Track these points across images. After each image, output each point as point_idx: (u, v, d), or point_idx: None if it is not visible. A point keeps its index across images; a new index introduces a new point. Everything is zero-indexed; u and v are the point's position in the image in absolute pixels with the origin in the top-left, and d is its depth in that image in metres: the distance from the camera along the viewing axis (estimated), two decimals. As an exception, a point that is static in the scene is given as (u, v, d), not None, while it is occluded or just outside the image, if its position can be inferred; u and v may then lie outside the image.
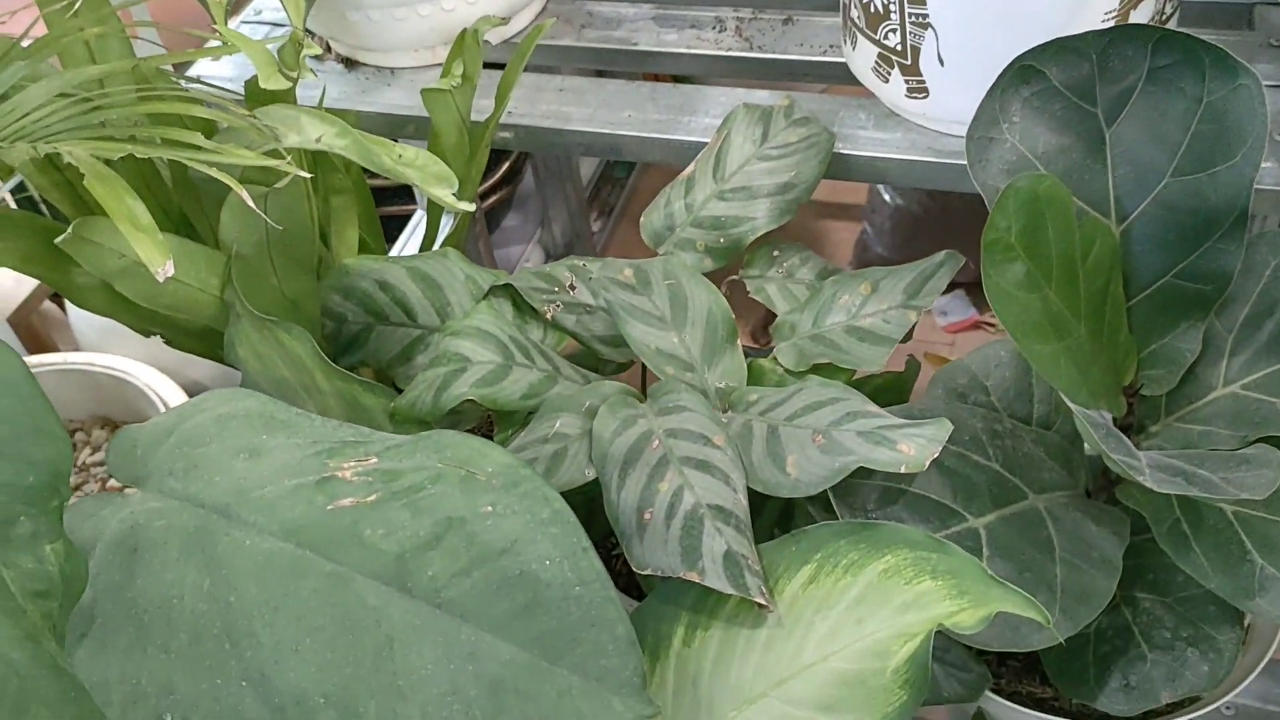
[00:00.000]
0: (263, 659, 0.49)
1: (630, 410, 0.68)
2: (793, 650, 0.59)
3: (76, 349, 1.32)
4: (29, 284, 1.26)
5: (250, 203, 0.59)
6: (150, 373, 1.11)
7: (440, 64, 1.01)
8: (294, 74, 0.62)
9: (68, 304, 1.24)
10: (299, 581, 0.51)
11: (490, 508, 0.53)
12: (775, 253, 0.83)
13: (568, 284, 0.80)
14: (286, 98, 0.64)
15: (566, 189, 1.73)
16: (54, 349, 1.37)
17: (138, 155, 0.58)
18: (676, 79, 1.07)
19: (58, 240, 0.60)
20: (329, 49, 1.04)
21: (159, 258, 0.55)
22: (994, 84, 0.65)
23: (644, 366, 0.76)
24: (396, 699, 0.49)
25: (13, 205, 1.16)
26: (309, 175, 0.61)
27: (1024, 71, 0.65)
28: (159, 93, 0.62)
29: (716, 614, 0.62)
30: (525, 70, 0.88)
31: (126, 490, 0.55)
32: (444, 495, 0.53)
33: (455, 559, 0.51)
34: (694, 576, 0.60)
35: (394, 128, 0.98)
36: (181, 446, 0.56)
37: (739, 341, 0.74)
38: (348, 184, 0.79)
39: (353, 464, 0.55)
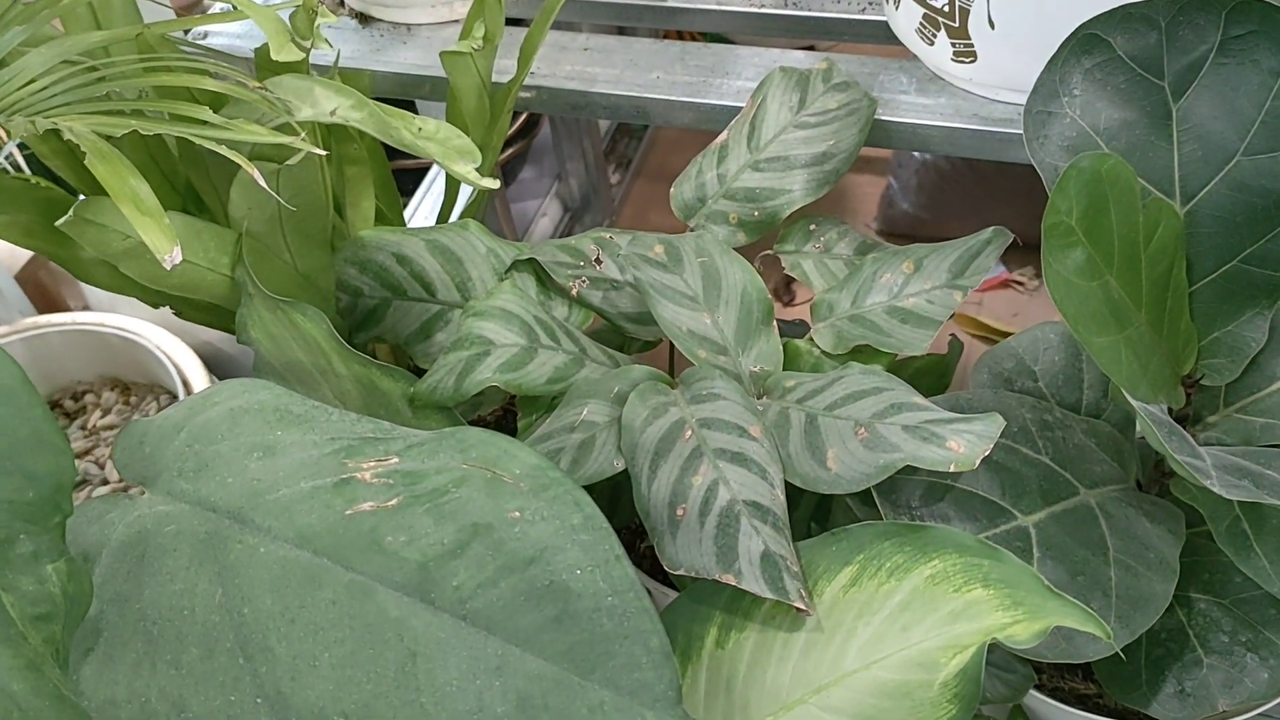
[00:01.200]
0: (279, 674, 0.47)
1: (661, 398, 0.65)
2: (833, 656, 0.56)
3: (86, 306, 1.30)
4: (36, 242, 1.23)
5: (262, 182, 0.56)
6: (161, 334, 1.08)
7: (458, 20, 0.96)
8: (307, 43, 0.59)
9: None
10: (316, 592, 0.48)
11: (518, 513, 0.50)
12: (812, 226, 0.79)
13: (593, 258, 0.77)
14: (299, 66, 0.60)
15: (584, 142, 1.68)
16: (63, 305, 1.34)
17: (142, 132, 0.54)
18: (705, 37, 1.02)
19: (58, 223, 0.57)
20: (342, 3, 1.00)
21: (166, 243, 0.52)
22: (1054, 55, 0.61)
23: (672, 344, 0.72)
24: (420, 717, 0.46)
25: (21, 164, 1.12)
26: (324, 152, 0.57)
27: (1086, 41, 0.60)
28: (166, 63, 0.58)
29: (752, 615, 0.59)
30: (548, 28, 0.84)
31: (134, 491, 0.52)
32: (469, 499, 0.50)
33: (481, 568, 0.48)
34: (730, 579, 0.57)
35: (409, 88, 0.94)
36: (192, 444, 0.53)
37: (774, 322, 0.71)
38: (363, 154, 0.75)
39: (372, 464, 0.52)
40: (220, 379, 1.10)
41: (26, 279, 1.28)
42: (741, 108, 0.81)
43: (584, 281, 0.75)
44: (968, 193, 1.59)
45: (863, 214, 1.76)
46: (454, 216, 0.91)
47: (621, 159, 1.88)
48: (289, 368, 0.68)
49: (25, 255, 1.26)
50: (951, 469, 0.57)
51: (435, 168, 1.40)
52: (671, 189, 0.80)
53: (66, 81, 0.59)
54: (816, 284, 0.76)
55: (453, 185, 0.88)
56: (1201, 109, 0.60)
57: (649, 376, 0.67)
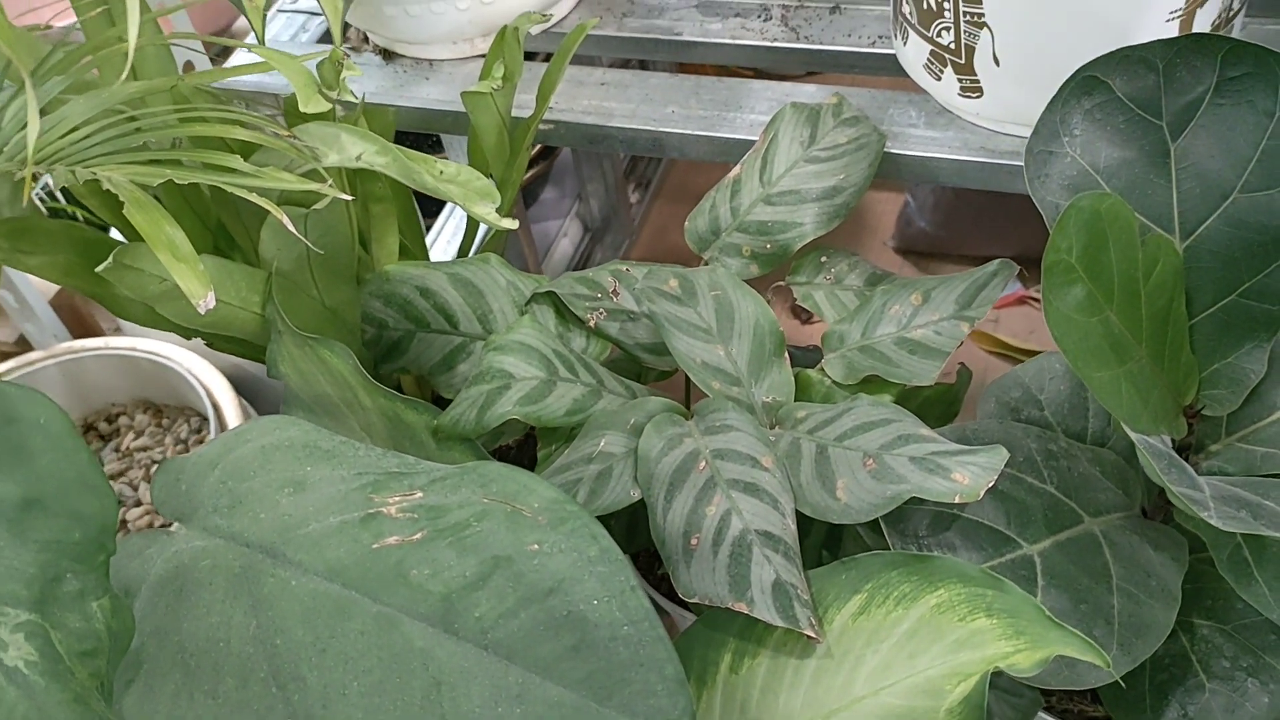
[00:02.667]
0: (310, 703, 0.49)
1: (676, 429, 0.67)
2: (842, 683, 0.58)
3: (118, 329, 1.33)
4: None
5: (290, 227, 0.58)
6: (191, 358, 1.11)
7: (479, 55, 0.99)
8: (334, 93, 0.61)
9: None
10: (345, 623, 0.50)
11: (537, 546, 0.52)
12: (823, 258, 0.81)
13: (611, 290, 0.79)
14: (326, 114, 0.63)
15: (604, 163, 1.71)
16: (96, 329, 1.38)
17: (177, 181, 0.57)
18: (719, 70, 1.04)
19: (99, 269, 0.60)
20: (366, 40, 1.02)
21: (200, 288, 0.55)
22: (1055, 96, 0.63)
23: (687, 374, 0.74)
24: (444, 743, 0.48)
25: (57, 194, 1.15)
26: (351, 198, 0.60)
27: (1086, 82, 0.62)
28: (200, 113, 0.61)
29: (764, 641, 0.61)
30: (565, 64, 0.86)
31: (171, 527, 0.55)
32: (490, 533, 0.52)
33: (502, 599, 0.50)
34: (742, 607, 0.59)
35: (432, 123, 0.96)
36: (226, 480, 0.56)
37: (786, 354, 0.73)
38: (387, 191, 0.77)
39: (397, 499, 0.54)
40: (248, 400, 1.13)
41: (61, 304, 1.31)
42: (754, 140, 0.83)
43: (601, 313, 0.78)
44: (984, 211, 1.60)
45: (880, 232, 1.77)
46: (475, 248, 0.94)
47: (641, 179, 1.90)
48: (317, 401, 0.70)
49: (59, 282, 1.30)
50: (957, 500, 0.59)
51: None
52: (686, 223, 0.82)
53: (105, 131, 0.62)
54: (828, 315, 0.78)
55: (474, 218, 0.91)
56: (1199, 148, 0.62)
57: (664, 408, 0.70)
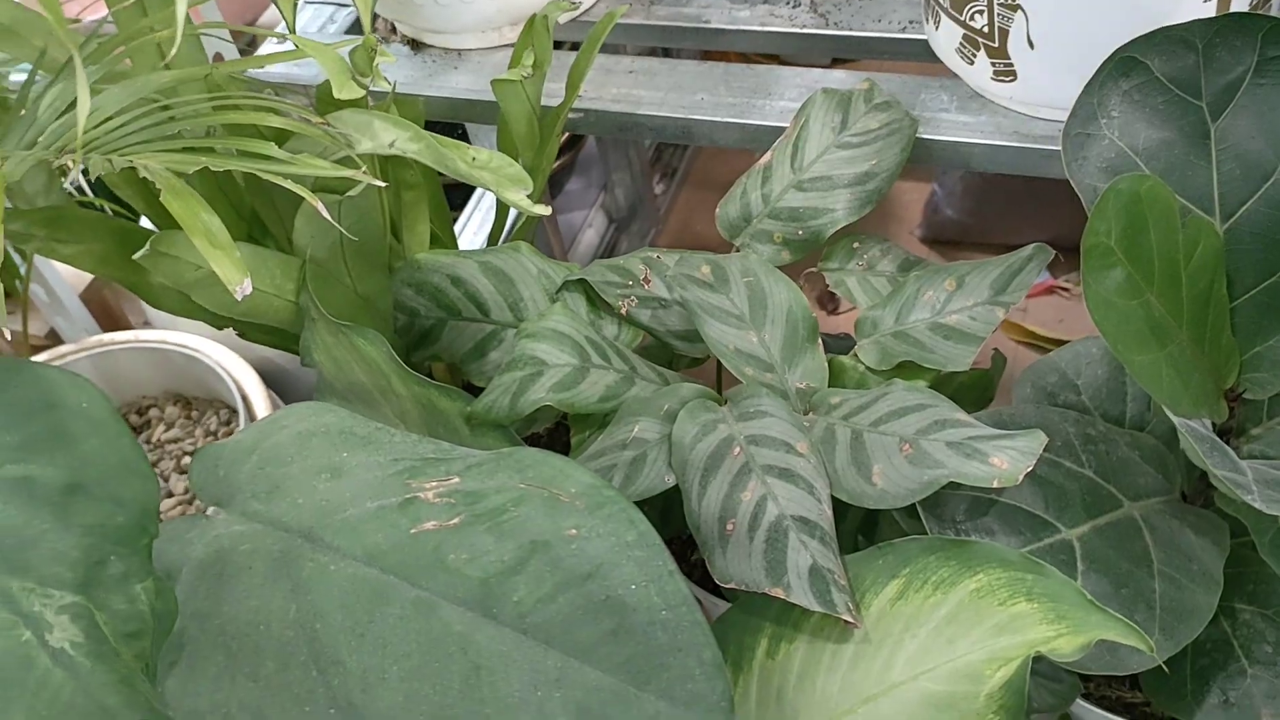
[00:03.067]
0: (350, 686, 0.49)
1: (710, 415, 0.67)
2: (880, 668, 0.58)
3: (147, 323, 1.34)
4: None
5: (325, 213, 0.58)
6: (220, 350, 1.12)
7: (508, 44, 0.99)
8: (367, 80, 0.61)
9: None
10: (384, 607, 0.50)
11: (574, 530, 0.52)
12: (855, 244, 0.81)
13: (642, 277, 0.79)
14: (359, 100, 0.63)
15: (629, 153, 1.70)
16: (125, 323, 1.38)
17: (213, 169, 0.57)
18: (746, 57, 1.04)
19: (136, 256, 0.60)
20: (394, 30, 1.02)
21: (237, 275, 0.55)
22: (1092, 77, 0.62)
23: (720, 361, 0.74)
24: (484, 727, 0.48)
25: (85, 187, 1.16)
26: (384, 184, 0.60)
27: (1124, 63, 0.61)
28: (234, 101, 0.61)
29: (801, 626, 0.61)
30: (592, 51, 0.86)
31: (210, 511, 0.55)
32: (527, 518, 0.52)
33: (540, 584, 0.50)
34: (779, 593, 0.59)
35: (460, 112, 0.96)
36: (263, 466, 0.56)
37: (819, 340, 0.72)
38: (418, 178, 0.77)
39: (434, 484, 0.54)
40: (276, 392, 1.13)
41: (91, 298, 1.32)
42: (784, 127, 0.83)
43: (633, 300, 0.77)
44: (1013, 199, 1.59)
45: (907, 221, 1.76)
46: (504, 237, 0.94)
47: (667, 168, 1.90)
48: (351, 389, 0.70)
49: (90, 275, 1.31)
50: (995, 485, 0.58)
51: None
52: (717, 209, 0.82)
53: (141, 120, 0.62)
54: (860, 301, 0.78)
55: (503, 207, 0.91)
56: (1239, 128, 0.61)
57: (698, 394, 0.69)
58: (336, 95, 0.58)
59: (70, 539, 0.42)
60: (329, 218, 0.59)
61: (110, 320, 1.36)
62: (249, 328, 0.80)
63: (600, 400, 0.70)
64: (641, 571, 0.51)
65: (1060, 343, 1.36)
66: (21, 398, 0.44)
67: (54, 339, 1.25)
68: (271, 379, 1.15)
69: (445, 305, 0.79)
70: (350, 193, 0.64)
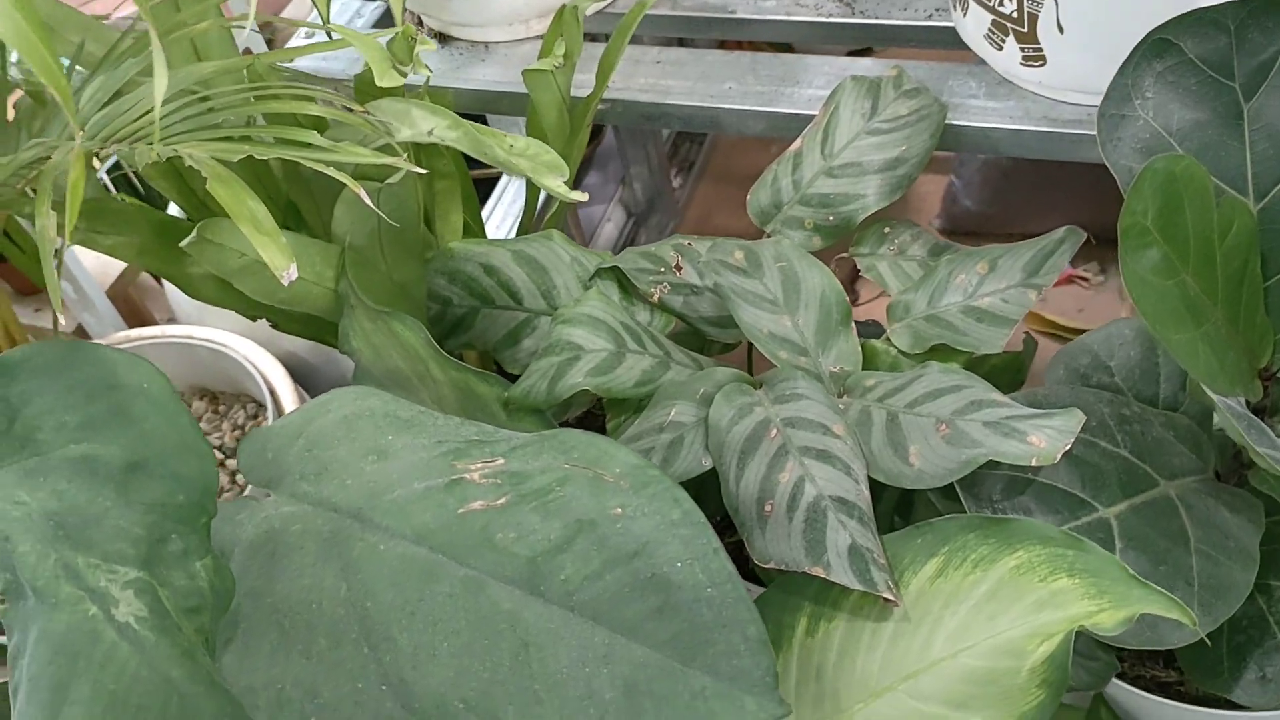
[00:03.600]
0: (401, 663, 0.50)
1: (746, 398, 0.67)
2: (920, 645, 0.58)
3: (172, 320, 1.35)
4: (126, 256, 1.28)
5: (367, 200, 0.59)
6: (247, 345, 1.12)
7: (534, 37, 1.00)
8: (407, 68, 0.62)
9: (164, 277, 1.25)
10: (433, 586, 0.51)
11: (620, 509, 0.52)
12: (886, 230, 0.81)
13: (674, 264, 0.80)
14: (396, 90, 0.64)
15: (648, 146, 1.71)
16: (150, 320, 1.39)
17: (256, 157, 0.58)
18: (772, 47, 1.04)
19: (183, 243, 0.61)
20: (420, 23, 1.03)
21: (283, 261, 0.56)
22: (1126, 60, 0.62)
23: (750, 346, 0.75)
24: (533, 703, 0.49)
25: (107, 183, 1.17)
26: (424, 171, 0.61)
27: (1158, 45, 0.62)
28: (273, 90, 0.62)
29: (840, 605, 0.61)
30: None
31: (256, 492, 0.56)
32: (573, 498, 0.53)
33: (587, 562, 0.51)
34: (819, 571, 0.59)
35: (488, 104, 0.97)
36: (311, 449, 0.57)
37: (853, 324, 0.73)
38: (452, 168, 0.78)
39: (480, 465, 0.55)
40: (303, 387, 1.14)
41: (116, 295, 1.33)
42: (812, 116, 0.83)
43: (665, 287, 0.78)
44: (1031, 189, 1.59)
45: (925, 213, 1.76)
46: (533, 223, 0.94)
47: (684, 162, 1.90)
48: (389, 375, 0.71)
49: (115, 272, 1.32)
50: (1033, 463, 0.59)
51: (505, 178, 1.44)
52: (748, 196, 0.82)
53: (182, 111, 0.63)
54: (892, 286, 0.78)
55: (532, 197, 0.91)
56: (1272, 108, 0.61)
57: (733, 378, 0.70)
58: (378, 83, 0.59)
59: (133, 516, 0.43)
60: (371, 205, 0.60)
61: (135, 317, 1.37)
62: (285, 317, 0.80)
63: (636, 384, 0.70)
64: (686, 549, 0.51)
65: (1080, 332, 1.36)
66: (82, 379, 0.45)
67: (81, 335, 1.26)
68: (297, 374, 1.15)
69: (478, 293, 0.80)
70: (389, 180, 0.64)
